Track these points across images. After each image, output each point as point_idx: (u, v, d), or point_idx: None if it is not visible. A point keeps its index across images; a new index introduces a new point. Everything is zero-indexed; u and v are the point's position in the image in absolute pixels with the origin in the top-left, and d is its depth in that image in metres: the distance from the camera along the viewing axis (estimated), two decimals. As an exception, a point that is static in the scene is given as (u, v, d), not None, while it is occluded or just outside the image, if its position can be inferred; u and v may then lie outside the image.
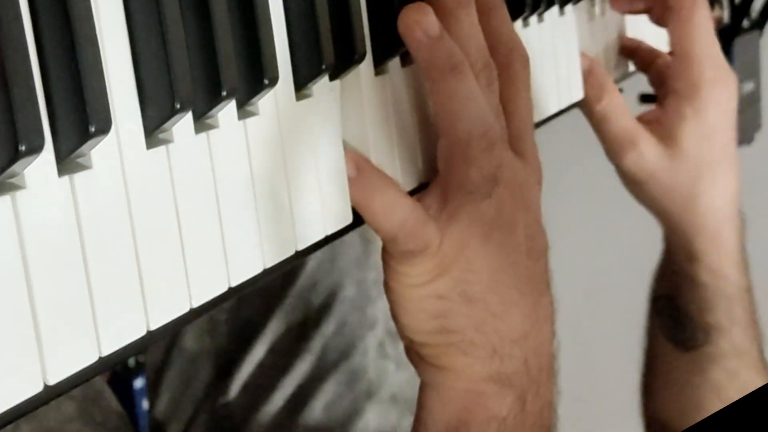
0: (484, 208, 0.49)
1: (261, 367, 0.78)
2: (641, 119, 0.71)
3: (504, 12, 0.54)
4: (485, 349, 0.51)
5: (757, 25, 0.94)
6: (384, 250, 0.50)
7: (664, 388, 0.78)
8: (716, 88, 0.70)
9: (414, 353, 0.53)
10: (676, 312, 0.75)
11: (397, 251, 0.49)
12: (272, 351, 0.78)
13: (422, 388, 0.54)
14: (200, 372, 0.81)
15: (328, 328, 0.78)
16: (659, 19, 0.74)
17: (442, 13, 0.49)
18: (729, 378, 0.74)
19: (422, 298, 0.50)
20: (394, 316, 0.53)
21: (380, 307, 0.80)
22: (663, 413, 0.78)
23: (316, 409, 0.77)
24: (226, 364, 0.79)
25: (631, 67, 0.81)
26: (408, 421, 0.80)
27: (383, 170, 0.49)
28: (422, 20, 0.47)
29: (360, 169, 0.48)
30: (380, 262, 0.82)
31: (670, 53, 0.75)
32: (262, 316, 0.79)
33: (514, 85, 0.53)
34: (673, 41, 0.71)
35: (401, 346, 0.82)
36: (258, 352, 0.78)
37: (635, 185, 0.73)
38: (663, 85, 0.74)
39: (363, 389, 0.78)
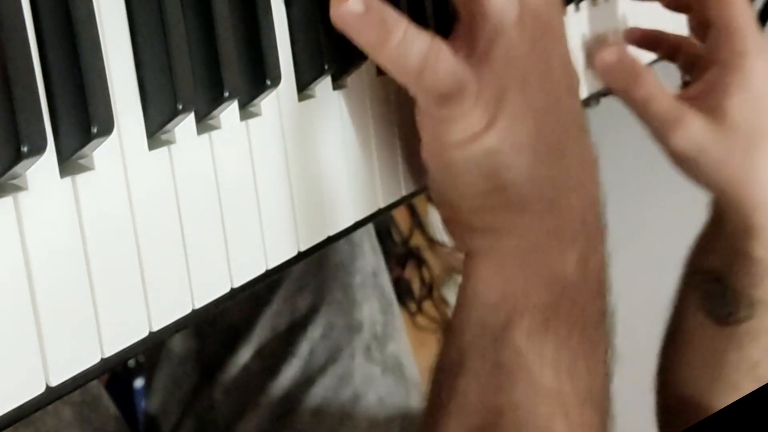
0: (516, 42, 0.46)
1: (247, 370, 0.78)
2: (683, 97, 0.70)
3: None
4: (542, 203, 0.48)
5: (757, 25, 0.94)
6: (422, 112, 0.47)
7: (693, 364, 0.76)
8: (760, 57, 0.69)
9: (460, 224, 0.50)
10: (720, 287, 0.74)
11: (431, 95, 0.45)
12: (259, 355, 0.78)
13: (469, 260, 0.50)
14: (187, 375, 0.80)
15: (314, 332, 0.78)
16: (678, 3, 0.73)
17: None
18: (764, 354, 0.73)
19: (473, 155, 0.46)
20: (439, 187, 0.49)
21: (366, 311, 0.80)
22: (688, 389, 0.77)
23: (304, 413, 0.77)
24: (212, 368, 0.79)
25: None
26: (396, 425, 0.80)
27: (389, 167, 0.49)
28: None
29: (369, 4, 0.43)
30: (366, 266, 0.82)
31: (694, 33, 0.74)
32: (248, 319, 0.78)
33: None
34: (712, 13, 0.70)
35: (388, 349, 0.83)
36: (244, 355, 0.78)
37: (686, 163, 0.71)
38: (695, 66, 0.73)
39: (350, 393, 0.78)
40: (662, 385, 0.81)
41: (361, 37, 0.44)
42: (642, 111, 0.69)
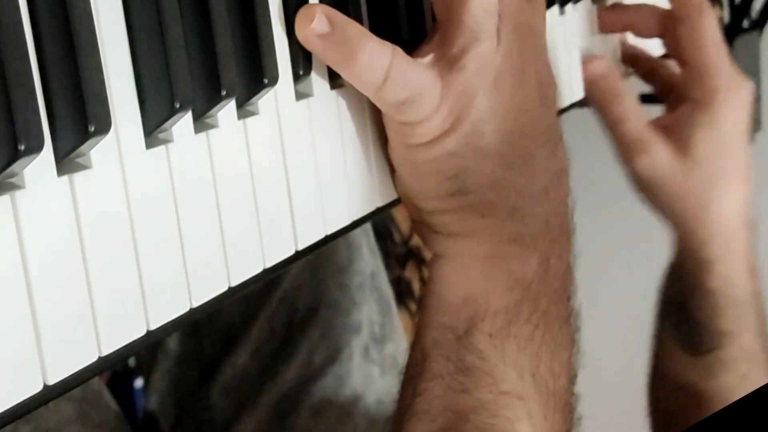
0: (490, 52, 0.46)
1: (246, 371, 0.78)
2: (654, 124, 0.71)
3: None
4: (505, 209, 0.48)
5: (757, 25, 0.94)
6: (386, 117, 0.47)
7: (673, 391, 0.77)
8: (730, 96, 0.70)
9: (425, 225, 0.50)
10: (685, 317, 0.75)
11: (392, 105, 0.45)
12: (257, 355, 0.78)
13: (434, 261, 0.50)
14: (185, 375, 0.80)
15: (313, 333, 0.78)
16: (655, 32, 0.74)
17: None
18: (740, 382, 0.74)
19: (434, 158, 0.47)
20: (404, 187, 0.49)
21: (365, 312, 0.80)
22: (673, 408, 0.78)
23: (302, 413, 0.77)
24: (210, 368, 0.79)
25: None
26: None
27: (387, 166, 0.49)
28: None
29: (333, 23, 0.43)
30: (365, 267, 0.82)
31: (664, 56, 0.75)
32: (246, 320, 0.78)
33: None
34: (683, 50, 0.71)
35: (386, 350, 0.83)
36: (242, 356, 0.78)
37: (646, 190, 0.72)
38: (670, 92, 0.74)
39: (349, 394, 0.78)
40: (651, 403, 0.82)
41: (327, 57, 0.45)
42: (613, 129, 0.70)
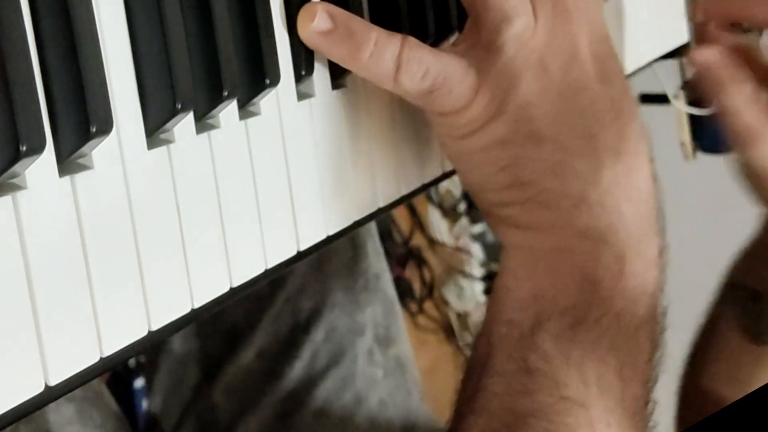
0: (528, 31, 0.44)
1: (249, 372, 0.78)
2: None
3: None
4: (569, 199, 0.45)
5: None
6: (428, 112, 0.46)
7: (721, 376, 0.76)
8: None
9: (493, 216, 0.48)
10: (758, 306, 0.74)
11: (418, 96, 0.44)
12: (261, 356, 0.78)
13: (504, 252, 0.48)
14: (188, 375, 0.80)
15: (317, 334, 0.78)
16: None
17: None
18: None
19: (483, 147, 0.45)
20: (464, 180, 0.47)
21: (369, 313, 0.80)
22: (712, 399, 0.77)
23: (306, 415, 0.77)
24: (214, 368, 0.79)
25: (628, 68, 0.80)
26: (397, 428, 0.80)
27: (388, 166, 0.48)
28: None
29: (335, 19, 0.43)
30: (369, 269, 0.82)
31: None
32: (250, 320, 0.78)
33: None
34: None
35: (390, 352, 0.83)
36: (246, 357, 0.78)
37: (757, 179, 0.70)
38: None
39: (352, 396, 0.78)
40: (686, 390, 0.81)
41: (333, 54, 0.44)
42: (727, 118, 0.68)
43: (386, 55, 0.43)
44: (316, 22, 0.42)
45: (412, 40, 0.43)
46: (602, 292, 0.46)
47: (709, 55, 0.67)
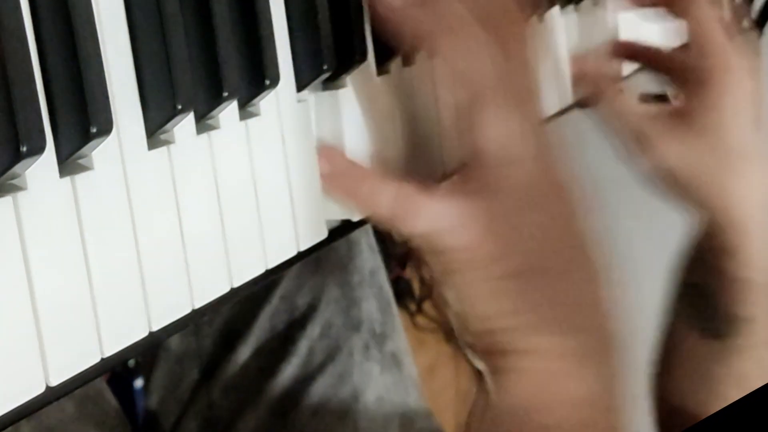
0: (516, 174, 0.46)
1: (246, 369, 0.78)
2: (661, 112, 0.70)
3: None
4: (560, 324, 0.47)
5: (757, 25, 0.94)
6: (417, 250, 0.47)
7: (683, 374, 0.76)
8: (732, 75, 0.69)
9: (481, 344, 0.49)
10: (705, 302, 0.74)
11: (409, 236, 0.46)
12: (258, 354, 0.78)
13: (491, 375, 0.50)
14: (186, 373, 0.80)
15: (313, 331, 0.78)
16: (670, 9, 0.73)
17: None
18: (755, 368, 0.73)
19: (488, 280, 0.46)
20: (458, 311, 0.49)
21: (365, 309, 0.80)
22: (678, 398, 0.78)
23: (303, 411, 0.77)
24: (211, 367, 0.79)
25: (628, 68, 0.81)
26: (395, 423, 0.80)
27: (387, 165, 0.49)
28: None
29: (333, 163, 0.46)
30: (364, 265, 0.82)
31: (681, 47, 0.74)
32: (246, 318, 0.79)
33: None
34: (690, 28, 0.70)
35: (386, 347, 0.83)
36: (243, 354, 0.78)
37: (662, 181, 0.71)
38: (677, 77, 0.73)
39: (349, 392, 0.78)
40: (656, 389, 0.81)
41: (331, 194, 0.46)
42: (615, 126, 0.69)
43: (379, 202, 0.45)
44: (320, 165, 0.46)
45: (409, 187, 0.45)
46: (591, 407, 0.48)
47: (590, 64, 0.68)
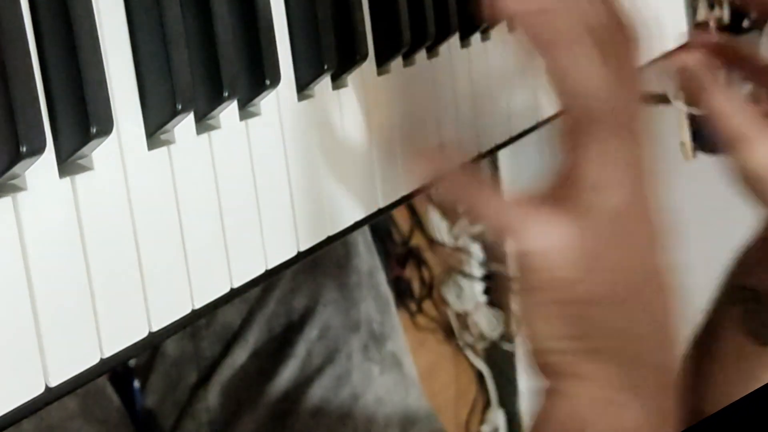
0: (610, 202, 0.46)
1: (244, 372, 0.78)
2: (760, 113, 0.69)
3: None
4: (619, 357, 0.48)
5: (757, 25, 0.94)
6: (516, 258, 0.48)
7: (721, 378, 0.76)
8: None
9: (541, 360, 0.50)
10: (762, 307, 0.74)
11: (519, 255, 0.46)
12: (255, 356, 0.78)
13: (546, 394, 0.50)
14: (183, 377, 0.80)
15: (311, 332, 0.78)
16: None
17: None
18: None
19: (561, 302, 0.47)
20: (526, 323, 0.50)
21: (363, 310, 0.80)
22: (710, 400, 0.77)
23: (302, 414, 0.77)
24: (208, 369, 0.79)
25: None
26: (395, 424, 0.80)
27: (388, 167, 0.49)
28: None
29: (434, 162, 0.45)
30: (361, 265, 0.82)
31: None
32: (243, 320, 0.78)
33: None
34: None
35: (386, 348, 0.82)
36: (240, 357, 0.78)
37: (751, 182, 0.70)
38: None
39: (348, 393, 0.78)
40: (680, 390, 0.80)
41: (446, 196, 0.46)
42: (713, 123, 0.67)
43: (498, 213, 0.45)
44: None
45: (521, 201, 0.46)
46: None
47: (687, 59, 0.67)
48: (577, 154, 0.46)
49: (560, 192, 0.46)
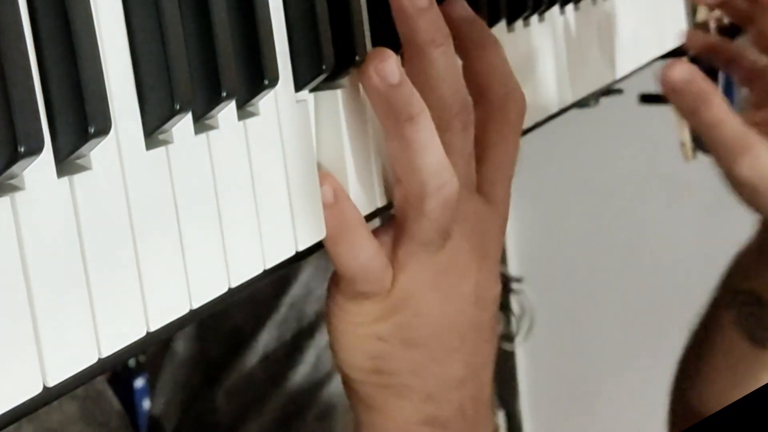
0: (436, 259, 0.49)
1: (252, 376, 0.78)
2: (749, 121, 0.69)
3: (500, 50, 0.52)
4: (420, 394, 0.51)
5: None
6: (333, 283, 0.50)
7: (719, 380, 0.76)
8: None
9: (350, 389, 0.53)
10: (760, 309, 0.74)
11: (350, 291, 0.49)
12: (265, 361, 0.78)
13: (356, 427, 0.54)
14: (190, 377, 0.80)
15: (322, 338, 0.78)
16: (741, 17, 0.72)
17: (413, 53, 0.47)
18: None
19: (363, 337, 0.50)
20: (333, 349, 0.52)
21: None
22: (707, 403, 0.77)
23: (308, 419, 0.77)
24: (216, 372, 0.79)
25: (628, 68, 0.80)
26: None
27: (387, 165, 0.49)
28: (380, 66, 0.45)
29: (337, 197, 0.46)
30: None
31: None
32: (254, 324, 0.78)
33: (502, 130, 0.51)
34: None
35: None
36: (250, 361, 0.78)
37: (748, 190, 0.69)
38: (755, 80, 0.72)
39: None
40: (679, 395, 0.81)
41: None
42: (707, 134, 0.67)
43: (359, 257, 0.47)
44: (323, 191, 0.46)
45: (381, 251, 0.48)
46: None
47: (683, 71, 0.65)
48: (411, 221, 0.48)
49: (394, 235, 0.49)
